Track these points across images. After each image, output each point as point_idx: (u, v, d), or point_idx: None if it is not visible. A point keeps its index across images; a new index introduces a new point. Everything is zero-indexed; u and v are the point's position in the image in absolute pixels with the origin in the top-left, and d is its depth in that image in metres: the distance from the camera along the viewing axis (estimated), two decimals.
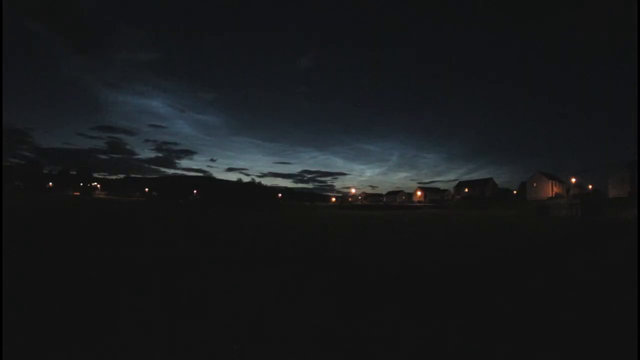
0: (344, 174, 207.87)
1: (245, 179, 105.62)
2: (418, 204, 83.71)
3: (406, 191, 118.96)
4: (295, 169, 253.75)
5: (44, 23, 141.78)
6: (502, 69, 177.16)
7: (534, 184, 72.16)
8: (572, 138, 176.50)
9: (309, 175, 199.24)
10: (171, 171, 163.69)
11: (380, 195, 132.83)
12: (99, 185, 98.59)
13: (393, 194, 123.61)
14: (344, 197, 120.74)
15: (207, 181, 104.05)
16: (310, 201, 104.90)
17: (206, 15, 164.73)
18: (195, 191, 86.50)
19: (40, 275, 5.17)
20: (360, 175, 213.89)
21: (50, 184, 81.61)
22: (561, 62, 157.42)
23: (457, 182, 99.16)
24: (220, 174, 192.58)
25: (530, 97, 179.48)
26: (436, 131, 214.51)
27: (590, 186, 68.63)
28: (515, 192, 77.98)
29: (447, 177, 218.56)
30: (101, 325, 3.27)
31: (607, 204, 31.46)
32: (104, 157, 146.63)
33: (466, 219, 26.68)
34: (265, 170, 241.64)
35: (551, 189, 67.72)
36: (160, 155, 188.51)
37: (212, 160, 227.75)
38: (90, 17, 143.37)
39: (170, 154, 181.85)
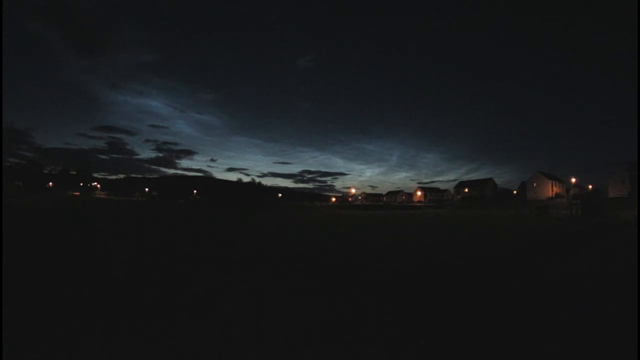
0: (344, 174, 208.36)
1: (245, 179, 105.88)
2: (418, 204, 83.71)
3: (406, 191, 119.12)
4: (295, 169, 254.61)
5: (44, 23, 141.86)
6: (502, 69, 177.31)
7: (534, 184, 72.16)
8: (572, 138, 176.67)
9: (309, 175, 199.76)
10: (171, 171, 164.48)
11: (380, 195, 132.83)
12: (99, 185, 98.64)
13: (393, 194, 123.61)
14: (344, 197, 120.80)
15: (207, 181, 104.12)
16: (310, 201, 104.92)
17: (206, 15, 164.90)
18: (195, 191, 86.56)
19: (40, 275, 5.19)
20: (360, 175, 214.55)
21: (51, 183, 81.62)
22: (561, 62, 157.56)
23: (457, 182, 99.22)
24: (220, 174, 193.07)
25: (531, 97, 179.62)
26: (436, 131, 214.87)
27: (590, 186, 68.53)
28: (515, 192, 77.98)
29: (447, 177, 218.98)
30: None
31: (607, 204, 31.44)
32: (104, 157, 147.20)
33: (466, 219, 26.68)
34: (265, 170, 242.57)
35: (551, 189, 67.71)
36: (160, 155, 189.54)
37: (212, 160, 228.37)
38: (90, 17, 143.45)
39: (170, 154, 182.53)
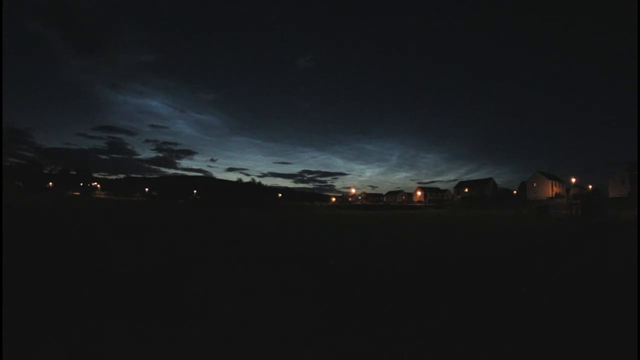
0: (344, 174, 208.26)
1: (246, 179, 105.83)
2: (418, 204, 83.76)
3: (406, 191, 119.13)
4: (295, 169, 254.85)
5: (44, 23, 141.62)
6: (502, 69, 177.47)
7: (534, 184, 72.18)
8: (572, 138, 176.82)
9: (309, 175, 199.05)
10: (171, 171, 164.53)
11: (380, 195, 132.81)
12: (99, 185, 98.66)
13: (393, 194, 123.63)
14: (344, 197, 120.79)
15: (207, 181, 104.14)
16: (310, 201, 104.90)
17: (206, 15, 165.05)
18: (195, 191, 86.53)
19: (39, 274, 5.20)
20: (360, 175, 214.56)
21: (51, 183, 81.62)
22: (561, 62, 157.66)
23: (457, 182, 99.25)
24: (220, 174, 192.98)
25: (531, 97, 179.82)
26: (436, 131, 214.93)
27: (590, 186, 68.53)
28: (515, 192, 77.97)
29: (447, 177, 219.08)
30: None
31: (607, 204, 31.40)
32: (104, 157, 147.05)
33: (466, 219, 26.69)
34: (265, 170, 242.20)
35: (551, 189, 67.73)
36: (160, 155, 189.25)
37: (212, 160, 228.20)
38: (90, 17, 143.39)
39: (170, 154, 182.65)
